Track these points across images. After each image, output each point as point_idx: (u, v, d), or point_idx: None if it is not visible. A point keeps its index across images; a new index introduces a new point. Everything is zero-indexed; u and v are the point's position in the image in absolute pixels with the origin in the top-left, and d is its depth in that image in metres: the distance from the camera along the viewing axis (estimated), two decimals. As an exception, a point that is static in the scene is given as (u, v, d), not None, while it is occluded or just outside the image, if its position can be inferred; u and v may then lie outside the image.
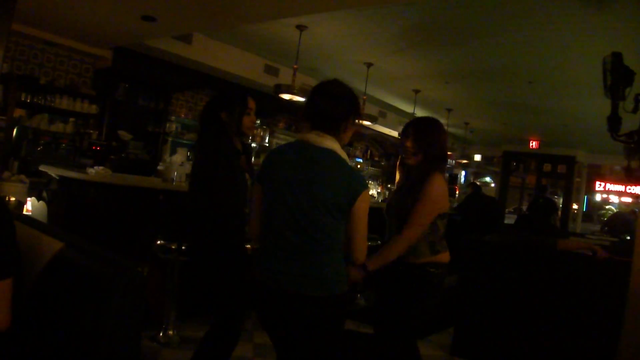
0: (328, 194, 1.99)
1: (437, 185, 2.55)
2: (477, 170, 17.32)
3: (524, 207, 13.69)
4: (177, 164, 4.67)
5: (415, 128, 2.67)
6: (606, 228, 11.58)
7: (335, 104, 2.09)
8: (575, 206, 14.28)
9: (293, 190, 2.03)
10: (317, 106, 2.10)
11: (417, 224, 2.50)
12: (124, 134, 7.43)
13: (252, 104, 2.79)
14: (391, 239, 2.58)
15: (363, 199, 2.04)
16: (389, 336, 2.66)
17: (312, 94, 2.15)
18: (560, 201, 14.37)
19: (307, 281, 2.01)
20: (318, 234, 2.01)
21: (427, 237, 2.58)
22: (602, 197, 13.59)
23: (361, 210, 2.06)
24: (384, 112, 11.16)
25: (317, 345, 2.11)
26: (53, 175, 4.30)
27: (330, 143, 2.06)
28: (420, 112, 10.88)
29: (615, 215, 12.56)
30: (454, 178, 15.97)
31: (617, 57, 3.89)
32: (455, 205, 11.32)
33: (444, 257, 2.64)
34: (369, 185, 2.09)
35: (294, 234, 2.02)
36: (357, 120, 2.18)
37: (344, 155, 2.09)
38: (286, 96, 6.75)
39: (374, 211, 2.42)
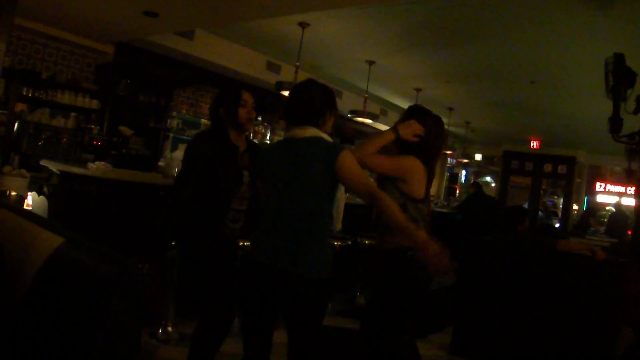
0: (312, 168, 2.16)
1: (416, 164, 2.67)
2: (477, 170, 17.31)
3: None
4: (178, 160, 4.66)
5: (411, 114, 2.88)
6: (603, 228, 11.63)
7: (312, 101, 2.29)
8: (575, 207, 14.27)
9: (284, 178, 2.22)
10: (297, 105, 2.31)
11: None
12: (125, 130, 7.42)
13: (246, 96, 2.81)
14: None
15: (344, 156, 2.16)
16: (374, 330, 2.65)
17: (292, 95, 2.38)
18: (560, 202, 14.37)
19: (297, 260, 2.17)
20: (308, 217, 2.21)
21: None
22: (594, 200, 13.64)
23: (347, 164, 2.16)
24: (385, 110, 11.15)
25: (299, 325, 2.27)
26: (54, 170, 4.29)
27: (313, 131, 2.24)
28: (421, 111, 10.86)
29: (615, 214, 12.53)
30: (454, 177, 15.97)
31: (619, 58, 3.89)
32: (455, 204, 11.35)
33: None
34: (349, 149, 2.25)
35: (287, 218, 2.22)
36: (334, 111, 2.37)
37: (327, 138, 2.27)
38: (287, 93, 6.74)
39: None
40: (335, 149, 2.17)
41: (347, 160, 2.16)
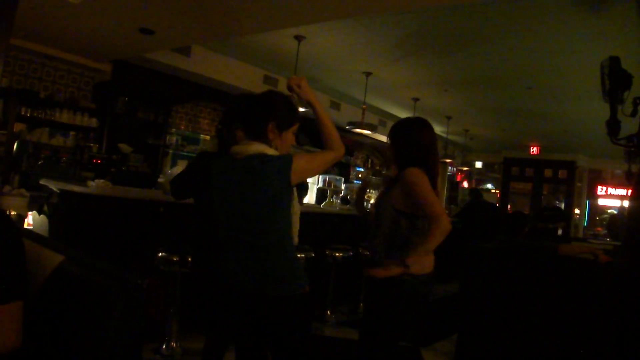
0: (267, 188, 2.06)
1: (413, 173, 2.46)
2: (478, 177, 17.31)
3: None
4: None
5: (391, 133, 2.73)
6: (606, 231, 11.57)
7: (250, 108, 2.21)
8: (577, 211, 14.25)
9: (236, 199, 2.12)
10: (252, 114, 2.21)
11: (436, 212, 2.34)
12: (124, 147, 7.45)
13: None
14: (425, 235, 2.39)
15: (297, 163, 2.07)
16: (370, 342, 2.62)
17: (247, 103, 2.25)
18: (561, 206, 14.36)
19: (264, 281, 2.08)
20: (267, 234, 2.10)
21: (390, 240, 2.53)
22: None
23: (301, 167, 2.10)
24: (384, 121, 11.18)
25: (279, 345, 2.18)
26: (54, 188, 4.30)
27: (256, 147, 2.13)
28: (419, 120, 10.88)
29: (616, 216, 12.47)
30: (455, 185, 15.96)
31: (615, 61, 3.90)
32: (455, 212, 11.32)
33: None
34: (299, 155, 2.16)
35: (245, 239, 2.11)
36: (293, 127, 2.26)
37: (272, 152, 2.15)
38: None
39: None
40: (285, 161, 2.08)
41: (301, 163, 2.10)
